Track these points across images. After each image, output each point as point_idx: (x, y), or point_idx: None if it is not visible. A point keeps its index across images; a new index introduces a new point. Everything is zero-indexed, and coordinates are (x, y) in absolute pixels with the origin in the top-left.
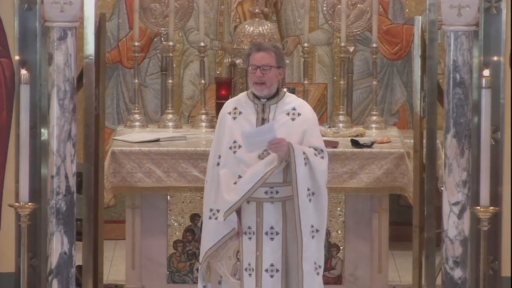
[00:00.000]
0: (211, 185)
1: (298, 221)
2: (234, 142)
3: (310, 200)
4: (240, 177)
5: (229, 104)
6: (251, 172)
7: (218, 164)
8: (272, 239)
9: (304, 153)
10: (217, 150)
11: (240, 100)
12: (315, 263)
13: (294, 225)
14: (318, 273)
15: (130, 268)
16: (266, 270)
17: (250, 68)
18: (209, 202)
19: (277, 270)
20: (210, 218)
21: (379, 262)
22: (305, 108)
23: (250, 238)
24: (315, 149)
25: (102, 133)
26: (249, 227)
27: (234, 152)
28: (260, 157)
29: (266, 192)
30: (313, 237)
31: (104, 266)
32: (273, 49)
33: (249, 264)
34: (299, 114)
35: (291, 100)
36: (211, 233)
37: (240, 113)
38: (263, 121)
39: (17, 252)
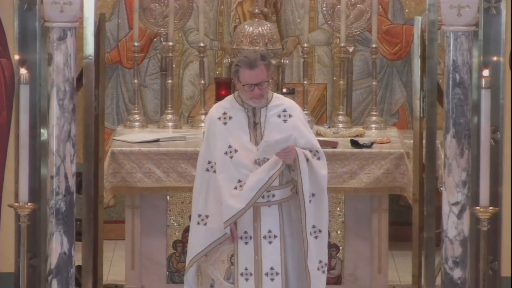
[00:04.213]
0: (200, 191)
1: (303, 222)
2: (229, 147)
3: (310, 201)
4: (240, 181)
5: (217, 109)
6: (254, 179)
7: (207, 170)
8: (270, 242)
9: (305, 156)
10: (206, 156)
11: (228, 105)
12: (320, 262)
13: (291, 227)
14: (323, 272)
15: (129, 268)
16: (266, 274)
17: (243, 85)
18: (197, 207)
19: (277, 273)
20: (198, 223)
21: (378, 262)
22: (296, 110)
23: (246, 243)
24: (311, 150)
25: (102, 133)
26: (246, 232)
27: (231, 157)
28: (257, 162)
29: (263, 196)
30: (316, 237)
31: (103, 266)
32: (262, 62)
33: (246, 269)
34: (290, 116)
35: (280, 102)
36: (199, 238)
37: (230, 118)
38: (255, 125)
39: (16, 252)
